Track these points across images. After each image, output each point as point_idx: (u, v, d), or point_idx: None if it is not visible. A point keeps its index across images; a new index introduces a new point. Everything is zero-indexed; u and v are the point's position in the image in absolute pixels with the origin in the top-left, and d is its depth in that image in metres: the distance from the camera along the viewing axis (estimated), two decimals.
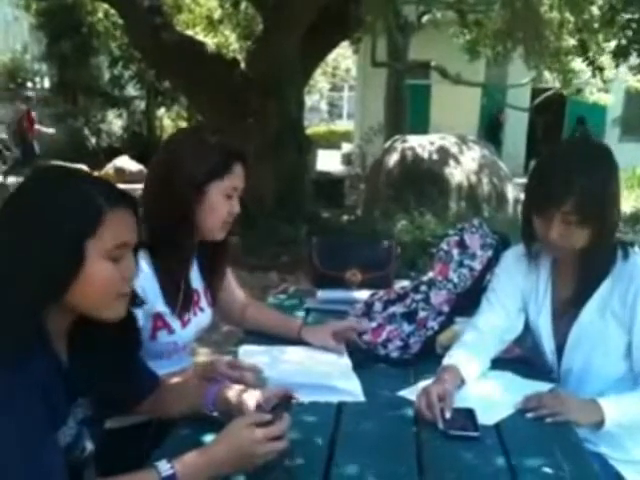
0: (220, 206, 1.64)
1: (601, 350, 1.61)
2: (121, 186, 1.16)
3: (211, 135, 1.68)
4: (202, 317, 1.78)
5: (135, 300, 1.23)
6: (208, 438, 1.28)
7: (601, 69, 8.61)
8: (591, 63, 8.52)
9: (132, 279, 1.15)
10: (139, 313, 1.54)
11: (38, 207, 1.04)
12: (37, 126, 11.59)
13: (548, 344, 1.71)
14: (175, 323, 1.66)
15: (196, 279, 1.77)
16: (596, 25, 8.15)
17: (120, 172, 11.60)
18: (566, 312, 1.66)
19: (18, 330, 1.00)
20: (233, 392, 1.32)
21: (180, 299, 1.64)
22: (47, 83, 15.75)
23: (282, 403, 1.26)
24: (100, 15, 13.47)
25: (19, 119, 11.27)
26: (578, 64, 10.19)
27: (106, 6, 11.19)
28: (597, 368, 1.63)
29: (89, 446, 1.20)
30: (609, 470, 1.57)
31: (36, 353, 1.03)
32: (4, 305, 1.00)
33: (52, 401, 1.04)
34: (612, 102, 12.95)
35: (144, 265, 1.57)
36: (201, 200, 1.62)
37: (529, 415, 1.44)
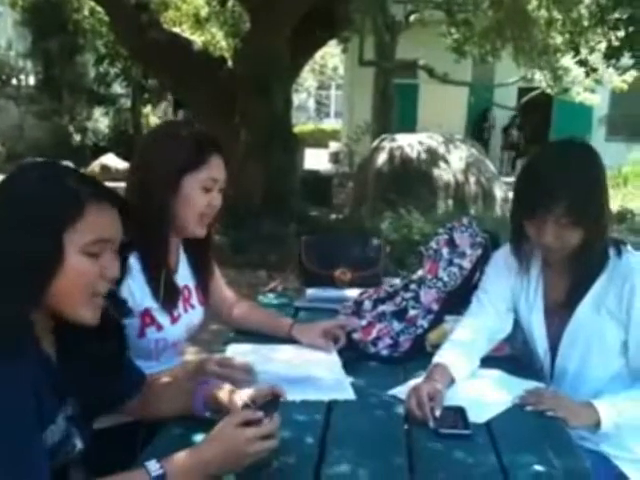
0: (197, 199, 1.62)
1: (597, 348, 1.61)
2: (107, 184, 1.14)
3: (183, 127, 1.67)
4: (193, 314, 1.77)
5: (123, 309, 1.22)
6: (198, 437, 1.27)
7: (594, 69, 8.63)
8: (583, 64, 8.54)
9: (112, 280, 1.12)
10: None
11: (20, 200, 1.05)
12: None
13: (541, 343, 1.71)
14: (164, 319, 1.65)
15: (186, 276, 1.76)
16: (586, 23, 8.17)
17: (106, 170, 11.53)
18: (559, 310, 1.66)
19: (8, 324, 0.99)
20: (222, 392, 1.31)
21: (162, 289, 1.62)
22: (32, 80, 15.61)
23: (271, 402, 1.25)
24: (86, 12, 13.39)
25: None
26: (567, 62, 10.22)
27: (92, 3, 11.10)
28: (593, 366, 1.62)
29: (79, 444, 1.18)
30: (611, 469, 1.56)
31: (26, 350, 1.02)
32: None
33: (41, 399, 1.03)
34: (598, 102, 13.04)
35: (131, 263, 1.56)
36: (177, 193, 1.60)
37: (528, 409, 1.44)
